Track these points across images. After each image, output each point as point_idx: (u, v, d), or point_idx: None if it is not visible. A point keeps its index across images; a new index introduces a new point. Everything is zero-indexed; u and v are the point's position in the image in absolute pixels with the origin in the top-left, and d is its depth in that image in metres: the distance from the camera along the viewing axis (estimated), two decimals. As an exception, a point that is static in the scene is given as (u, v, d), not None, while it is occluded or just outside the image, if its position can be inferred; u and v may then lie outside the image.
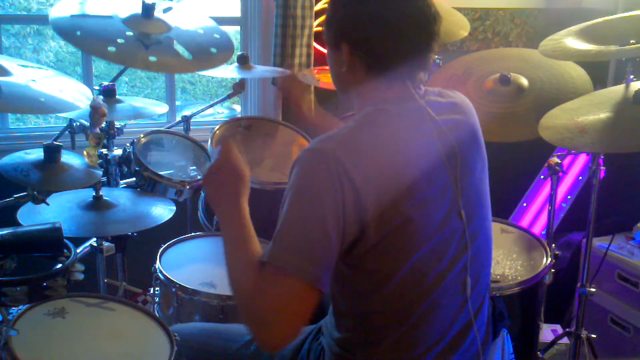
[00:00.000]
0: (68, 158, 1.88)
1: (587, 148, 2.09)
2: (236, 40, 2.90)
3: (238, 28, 3.14)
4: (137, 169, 2.21)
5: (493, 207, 1.50)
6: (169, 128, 2.56)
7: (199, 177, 2.31)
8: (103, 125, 2.14)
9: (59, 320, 1.60)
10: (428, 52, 1.34)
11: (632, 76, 1.99)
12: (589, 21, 2.14)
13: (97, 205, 2.03)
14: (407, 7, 1.31)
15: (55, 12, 1.86)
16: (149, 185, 2.20)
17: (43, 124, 4.10)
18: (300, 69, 2.88)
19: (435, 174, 1.33)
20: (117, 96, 2.30)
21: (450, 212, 1.34)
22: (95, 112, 1.97)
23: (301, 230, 1.24)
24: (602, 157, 2.15)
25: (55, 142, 1.85)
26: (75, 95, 1.78)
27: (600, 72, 3.46)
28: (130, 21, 1.92)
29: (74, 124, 2.22)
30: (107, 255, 2.22)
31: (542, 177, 3.36)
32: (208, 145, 2.41)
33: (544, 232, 3.04)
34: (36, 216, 1.88)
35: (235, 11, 3.13)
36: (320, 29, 2.92)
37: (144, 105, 2.36)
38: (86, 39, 1.83)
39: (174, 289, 1.88)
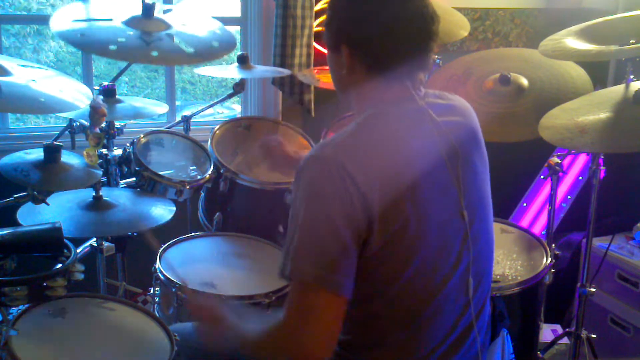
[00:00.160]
0: (68, 158, 1.88)
1: (587, 148, 2.09)
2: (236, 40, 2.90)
3: (238, 28, 3.14)
4: (137, 169, 2.21)
5: (493, 207, 1.50)
6: (169, 128, 2.56)
7: (199, 177, 2.31)
8: (103, 125, 2.14)
9: (59, 320, 1.60)
10: (427, 53, 1.35)
11: (632, 76, 1.99)
12: (589, 21, 2.14)
13: (97, 205, 2.03)
14: (405, 7, 1.31)
15: (57, 20, 1.86)
16: (149, 185, 2.20)
17: (43, 124, 4.11)
18: (300, 69, 2.88)
19: (437, 175, 1.33)
20: (117, 96, 2.29)
21: (452, 212, 1.34)
22: (95, 112, 1.97)
23: (314, 240, 1.24)
24: (602, 157, 2.15)
25: (55, 142, 1.85)
26: (75, 95, 1.78)
27: (600, 72, 3.46)
28: (130, 22, 1.93)
29: (74, 124, 2.22)
30: (107, 255, 2.22)
31: (542, 177, 3.36)
32: (208, 145, 2.41)
33: (544, 232, 3.04)
34: (36, 216, 1.88)
35: (235, 11, 3.13)
36: (320, 29, 2.92)
37: (144, 105, 2.36)
38: (88, 40, 1.83)
39: (174, 289, 1.88)
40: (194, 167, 2.38)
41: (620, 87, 1.95)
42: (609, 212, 3.05)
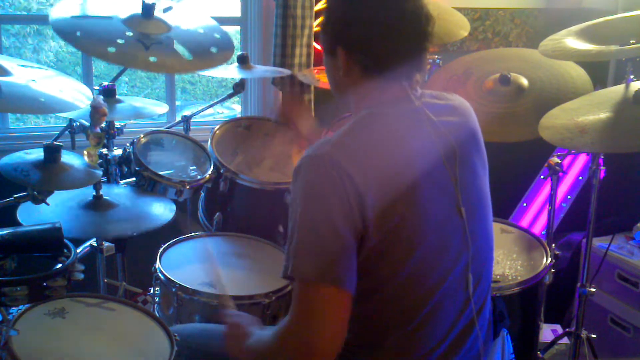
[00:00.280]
0: (68, 158, 1.88)
1: (587, 148, 2.10)
2: (236, 40, 2.90)
3: (238, 28, 3.14)
4: (137, 168, 2.21)
5: (493, 207, 1.50)
6: (169, 128, 2.56)
7: (199, 177, 2.31)
8: (103, 125, 2.14)
9: (59, 320, 1.60)
10: (422, 53, 1.36)
11: (632, 76, 1.99)
12: (589, 21, 2.14)
13: (97, 205, 2.03)
14: (400, 8, 1.32)
15: (56, 13, 1.86)
16: (149, 185, 2.20)
17: (43, 124, 4.11)
18: (300, 69, 2.88)
19: (435, 174, 1.33)
20: (117, 96, 2.29)
21: (451, 211, 1.35)
22: (96, 111, 1.97)
23: (313, 239, 1.25)
24: (602, 157, 2.15)
25: (55, 142, 1.84)
26: (75, 95, 1.78)
27: (600, 72, 3.46)
28: (130, 21, 1.92)
29: (74, 124, 2.22)
30: (107, 255, 2.22)
31: (542, 177, 3.36)
32: (208, 145, 2.41)
33: (544, 232, 3.04)
34: (36, 216, 1.88)
35: (235, 11, 3.13)
36: (320, 29, 2.92)
37: (144, 105, 2.36)
38: (86, 40, 1.83)
39: (174, 289, 1.88)
40: (194, 167, 2.38)
41: (620, 87, 1.95)
42: (609, 212, 3.05)
